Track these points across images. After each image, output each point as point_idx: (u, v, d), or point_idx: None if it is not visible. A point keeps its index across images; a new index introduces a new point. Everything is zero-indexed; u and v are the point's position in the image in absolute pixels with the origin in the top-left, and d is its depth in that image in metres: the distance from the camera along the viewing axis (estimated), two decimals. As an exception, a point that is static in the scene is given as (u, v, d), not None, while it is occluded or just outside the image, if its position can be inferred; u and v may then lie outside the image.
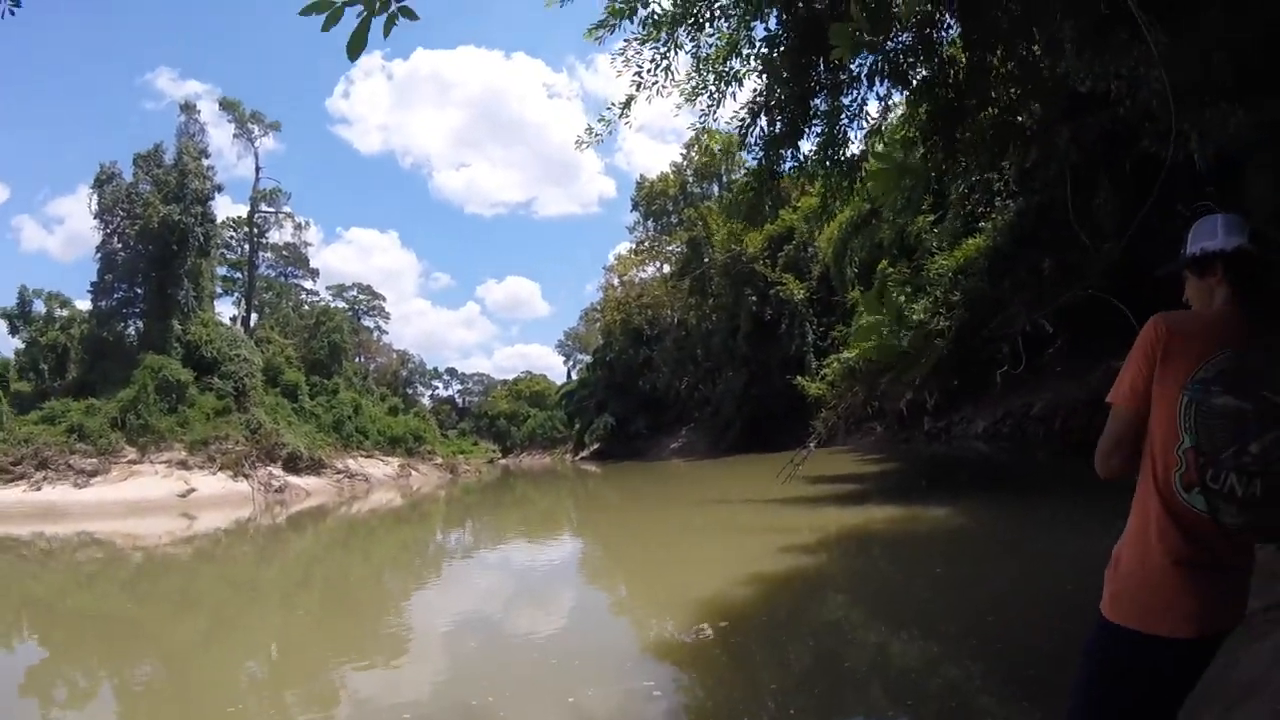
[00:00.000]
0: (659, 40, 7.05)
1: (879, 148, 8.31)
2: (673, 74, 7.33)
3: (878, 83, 7.16)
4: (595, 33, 7.20)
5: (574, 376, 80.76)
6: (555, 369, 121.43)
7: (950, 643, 6.99)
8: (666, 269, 59.53)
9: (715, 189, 54.32)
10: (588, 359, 75.41)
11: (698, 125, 8.48)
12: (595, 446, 59.06)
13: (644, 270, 63.58)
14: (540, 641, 8.55)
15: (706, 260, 47.91)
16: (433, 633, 9.38)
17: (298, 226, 59.72)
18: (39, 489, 28.56)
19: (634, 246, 64.06)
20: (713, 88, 7.53)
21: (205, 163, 39.89)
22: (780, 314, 40.76)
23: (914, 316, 16.26)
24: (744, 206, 9.11)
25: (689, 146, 55.10)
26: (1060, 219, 12.52)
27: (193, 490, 30.33)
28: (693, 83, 7.52)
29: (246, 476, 32.81)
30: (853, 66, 6.87)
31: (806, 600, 9.46)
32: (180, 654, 9.18)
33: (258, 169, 53.27)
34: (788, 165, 7.84)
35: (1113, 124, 10.79)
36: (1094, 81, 9.63)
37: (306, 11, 1.76)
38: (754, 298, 42.17)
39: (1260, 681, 4.03)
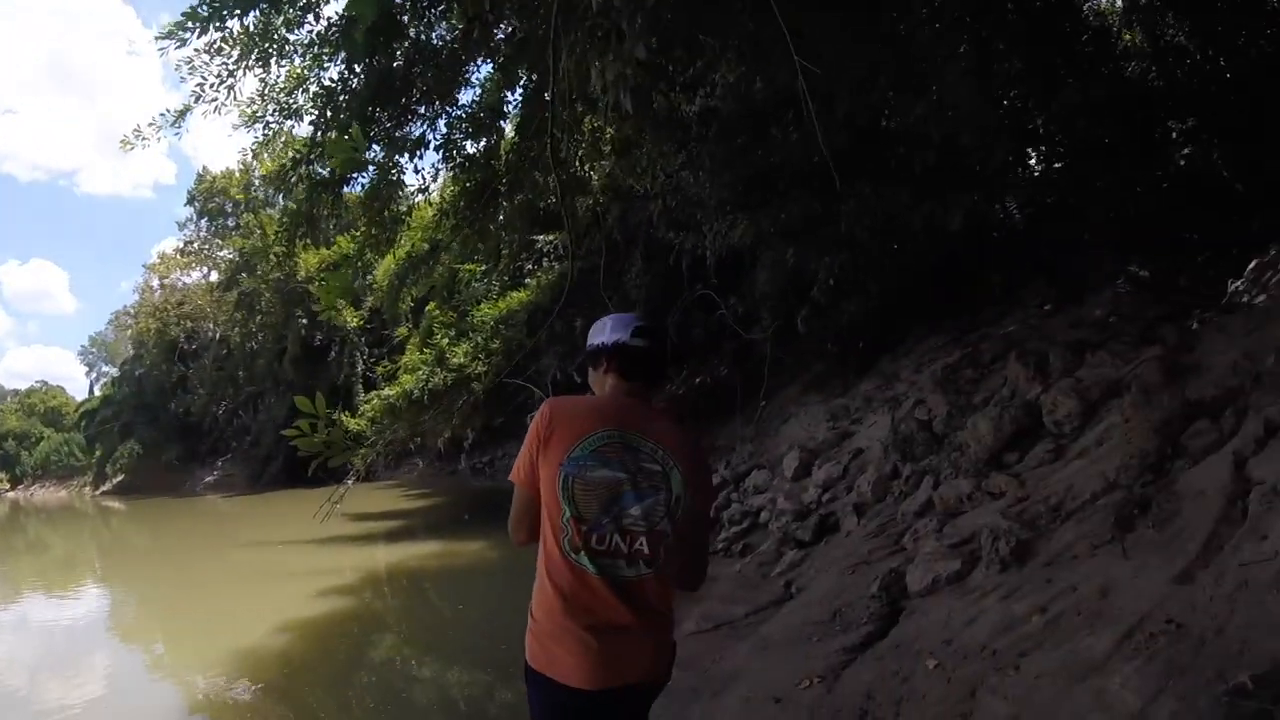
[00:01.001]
0: (228, 59, 6.94)
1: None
2: (236, 95, 7.23)
3: (428, 151, 7.65)
4: (174, 35, 6.86)
5: (97, 392, 68.67)
6: (77, 380, 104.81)
7: (503, 668, 7.25)
8: (215, 276, 53.04)
9: (282, 198, 50.76)
10: (114, 371, 65.24)
11: (256, 145, 8.29)
12: (119, 479, 51.89)
13: (189, 275, 56.46)
14: (76, 714, 7.52)
15: (259, 270, 44.64)
16: None
17: None
18: None
19: (182, 245, 55.64)
20: (272, 118, 7.56)
21: None
22: (331, 340, 39.56)
23: (455, 360, 17.11)
24: (291, 231, 9.05)
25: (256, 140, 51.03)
26: (598, 283, 14.04)
27: None
28: (255, 108, 7.49)
29: None
30: (406, 131, 7.30)
31: (361, 642, 9.44)
32: None
33: None
34: (328, 213, 8.02)
35: (650, 216, 12.49)
36: (635, 182, 11.19)
37: None
38: (304, 320, 40.09)
39: (741, 671, 5.07)
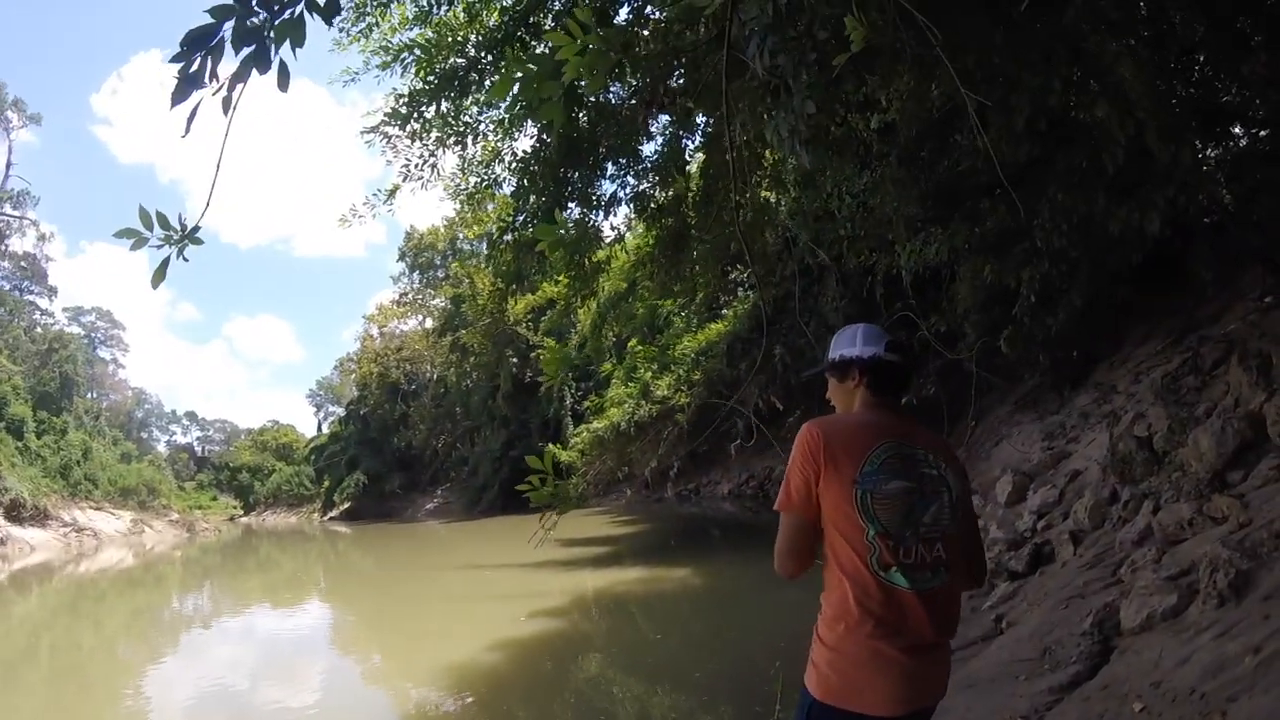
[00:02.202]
0: (427, 141, 7.65)
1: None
2: (439, 171, 7.94)
3: (621, 206, 8.05)
4: (378, 131, 7.69)
5: (325, 429, 75.26)
6: (305, 420, 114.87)
7: (701, 691, 7.58)
8: (429, 323, 58.27)
9: (485, 246, 53.90)
10: (340, 411, 71.56)
11: (460, 214, 9.11)
12: (346, 506, 55.88)
13: (405, 323, 62.06)
14: (292, 716, 8.29)
15: (469, 317, 47.59)
16: (173, 708, 8.87)
17: (41, 237, 53.64)
18: None
19: (397, 297, 62.04)
20: (474, 190, 8.21)
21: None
22: (540, 376, 41.27)
23: (659, 392, 17.55)
24: (504, 290, 9.74)
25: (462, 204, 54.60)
26: (794, 310, 14.00)
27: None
28: (458, 182, 8.17)
29: (-39, 524, 28.64)
30: (597, 188, 7.73)
31: (567, 661, 9.68)
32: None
33: (9, 165, 47.99)
34: (534, 271, 8.55)
35: (839, 236, 12.41)
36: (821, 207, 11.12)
37: (120, 235, 2.08)
38: (515, 359, 42.22)
39: (944, 709, 4.96)
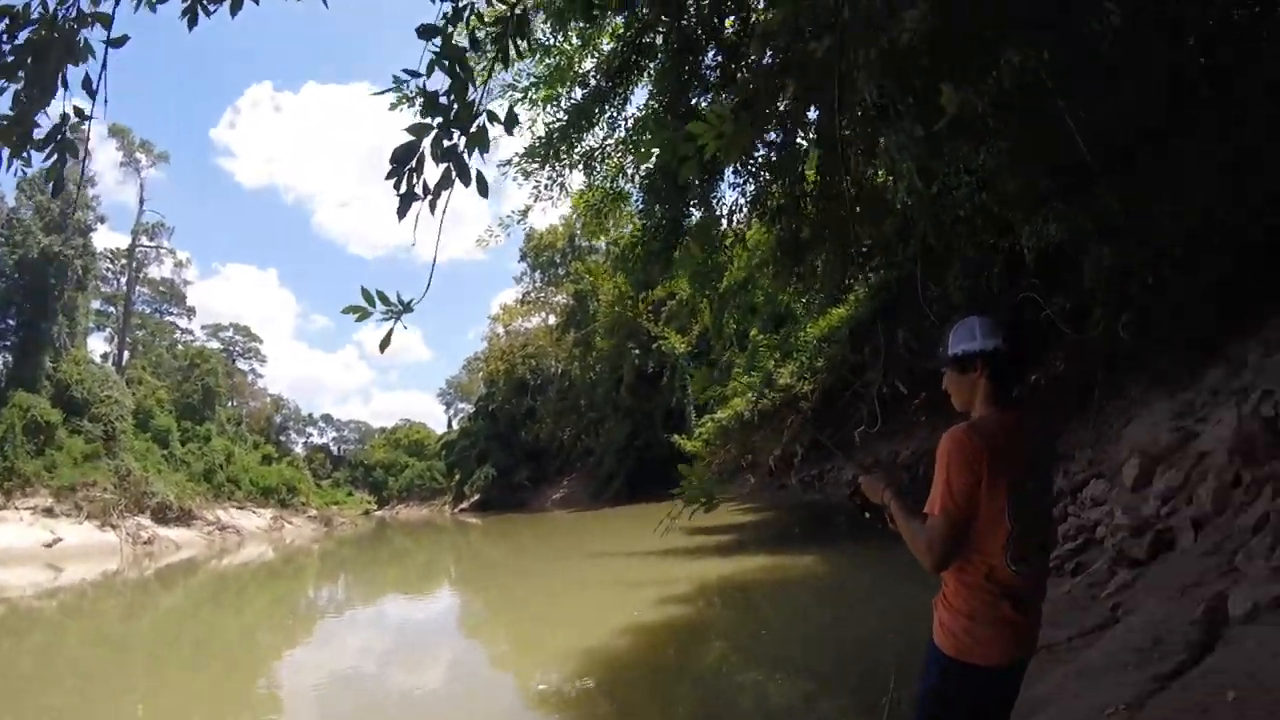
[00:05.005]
0: (555, 163, 8.14)
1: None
2: (566, 189, 8.43)
3: (740, 210, 8.34)
4: (516, 166, 8.29)
5: (455, 426, 78.65)
6: (435, 417, 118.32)
7: (822, 680, 7.75)
8: (552, 320, 60.02)
9: (603, 243, 54.97)
10: (469, 408, 74.27)
11: (587, 227, 9.55)
12: (476, 498, 58.11)
13: (529, 320, 63.90)
14: (420, 698, 8.68)
15: (592, 312, 48.71)
16: (306, 692, 9.30)
17: (178, 263, 58.45)
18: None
19: (520, 296, 64.13)
20: (601, 204, 8.68)
21: (90, 192, 38.51)
22: (662, 367, 41.84)
23: (781, 380, 17.69)
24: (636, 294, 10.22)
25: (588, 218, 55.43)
26: (915, 292, 13.89)
27: (59, 540, 28.93)
28: (585, 199, 8.64)
29: (114, 527, 31.59)
30: (718, 193, 8.03)
31: (688, 648, 9.92)
32: (47, 717, 8.93)
33: (142, 201, 52.02)
34: (661, 277, 8.93)
35: (957, 215, 12.23)
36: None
37: (347, 311, 2.48)
38: (637, 350, 42.99)
39: (1052, 697, 5.06)
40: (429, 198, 2.45)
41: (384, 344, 2.59)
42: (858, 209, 7.91)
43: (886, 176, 10.50)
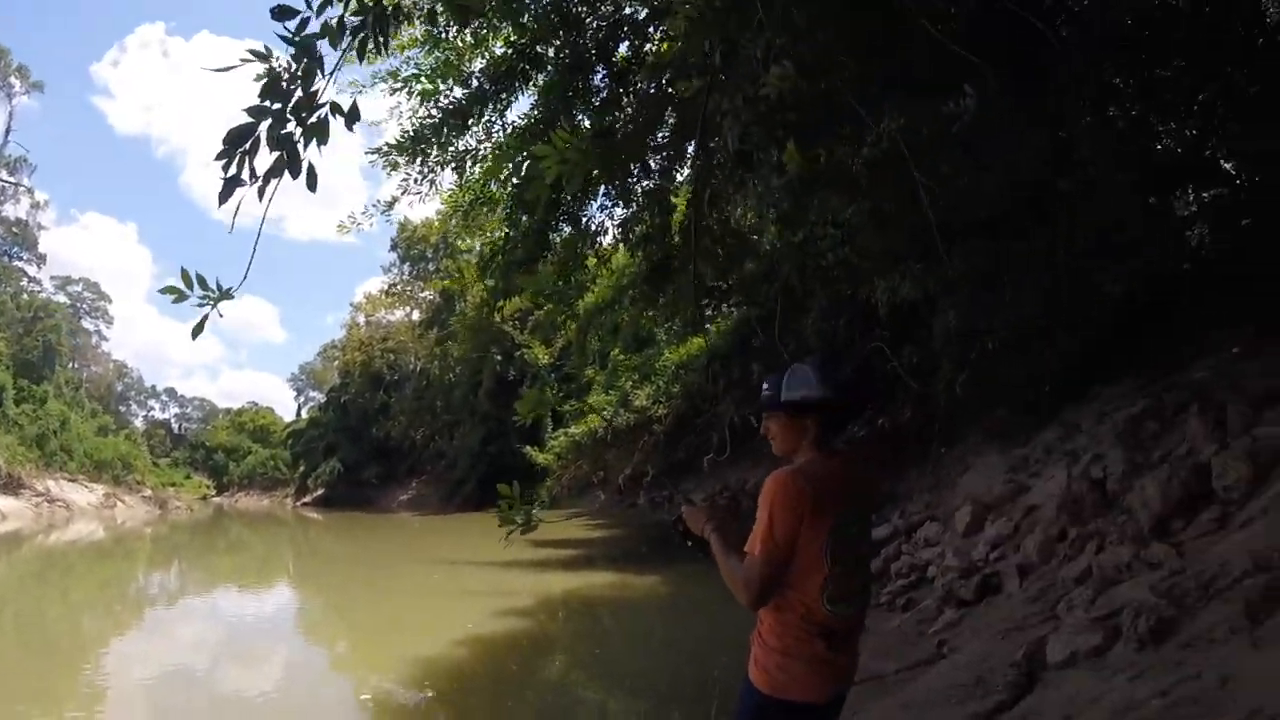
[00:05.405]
0: (427, 159, 7.99)
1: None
2: (437, 187, 8.28)
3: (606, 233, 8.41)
4: (371, 156, 8.12)
5: (304, 414, 75.18)
6: (285, 403, 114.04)
7: (664, 697, 7.77)
8: (416, 315, 58.51)
9: (478, 245, 54.01)
10: (321, 397, 71.50)
11: (457, 227, 9.47)
12: (320, 492, 56.07)
13: (393, 313, 62.09)
14: (252, 698, 8.33)
15: (459, 313, 47.80)
16: (134, 685, 8.83)
17: (34, 204, 54.06)
18: None
19: (386, 287, 61.37)
20: (470, 207, 8.57)
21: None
22: (523, 375, 41.49)
23: (637, 402, 17.92)
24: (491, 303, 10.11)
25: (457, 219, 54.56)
26: (774, 331, 14.26)
27: None
28: (455, 199, 8.51)
29: (-70, 488, 28.68)
30: (587, 213, 8.06)
31: (531, 661, 9.85)
32: None
33: (8, 130, 48.41)
34: (520, 290, 8.88)
35: (820, 263, 12.60)
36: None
37: (163, 291, 2.33)
38: (499, 356, 42.40)
39: None
40: (255, 184, 2.35)
41: (196, 331, 2.46)
42: (720, 248, 8.10)
43: (754, 219, 10.81)
